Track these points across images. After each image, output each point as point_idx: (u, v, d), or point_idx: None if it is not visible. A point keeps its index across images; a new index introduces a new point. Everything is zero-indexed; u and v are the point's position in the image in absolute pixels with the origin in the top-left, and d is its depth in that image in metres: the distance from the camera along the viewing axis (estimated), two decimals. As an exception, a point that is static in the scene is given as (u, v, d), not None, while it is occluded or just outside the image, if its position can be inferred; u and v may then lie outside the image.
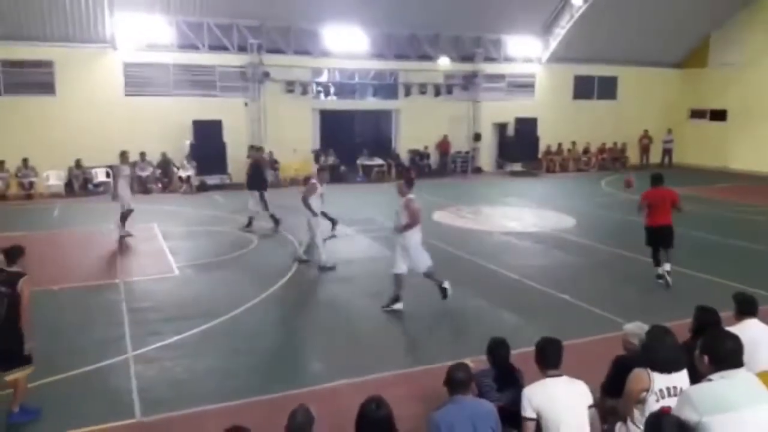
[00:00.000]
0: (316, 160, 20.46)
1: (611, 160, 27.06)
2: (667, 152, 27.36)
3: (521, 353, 5.31)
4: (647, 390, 4.09)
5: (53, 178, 19.11)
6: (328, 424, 4.33)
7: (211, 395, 6.08)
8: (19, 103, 18.67)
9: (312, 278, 10.52)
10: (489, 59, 24.96)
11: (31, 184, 18.61)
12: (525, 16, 24.17)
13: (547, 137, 25.73)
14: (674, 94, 28.20)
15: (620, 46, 25.44)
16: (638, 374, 4.18)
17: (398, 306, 8.59)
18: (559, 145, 26.45)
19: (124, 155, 13.59)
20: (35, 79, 19.12)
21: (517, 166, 25.15)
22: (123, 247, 12.50)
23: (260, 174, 14.24)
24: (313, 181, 11.22)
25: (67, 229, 14.33)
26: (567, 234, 13.73)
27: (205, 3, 19.96)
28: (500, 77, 25.75)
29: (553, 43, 25.37)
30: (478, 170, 25.40)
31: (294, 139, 21.91)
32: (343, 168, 22.82)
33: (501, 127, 25.97)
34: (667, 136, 27.43)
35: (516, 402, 4.38)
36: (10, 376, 5.58)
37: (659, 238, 9.73)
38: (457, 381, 4.16)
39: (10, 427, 5.55)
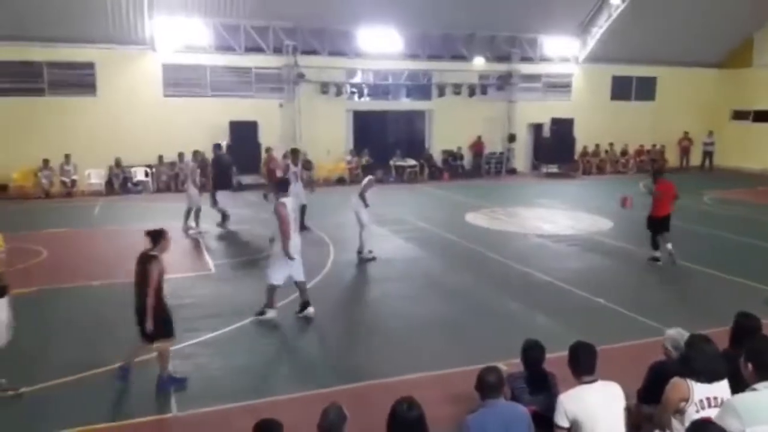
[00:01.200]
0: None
1: (650, 162, 26.52)
2: (707, 154, 26.72)
3: (555, 357, 5.25)
4: (686, 400, 3.99)
5: (94, 177, 19.63)
6: (359, 424, 4.34)
7: (244, 392, 6.17)
8: (62, 103, 19.23)
9: (345, 278, 10.57)
10: (525, 59, 24.72)
11: (73, 182, 19.12)
12: (562, 15, 23.88)
13: (583, 138, 25.35)
14: (715, 94, 27.46)
15: (659, 46, 24.89)
16: (677, 384, 4.08)
17: (310, 311, 8.25)
18: (596, 146, 26.03)
19: (196, 154, 14.21)
20: (77, 80, 19.67)
21: (553, 168, 24.85)
22: (189, 243, 12.80)
23: (226, 173, 14.60)
24: (371, 177, 11.64)
25: (107, 226, 14.68)
26: (603, 237, 13.51)
27: (241, 5, 20.23)
28: (536, 77, 25.48)
29: (591, 42, 25.01)
30: (512, 171, 25.17)
31: (328, 139, 22.07)
32: (380, 171, 22.84)
33: (536, 128, 25.67)
34: (707, 138, 26.77)
35: (549, 406, 4.33)
36: (155, 345, 6.17)
37: (662, 227, 10.97)
38: (489, 384, 4.12)
39: (160, 390, 6.18)
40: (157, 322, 6.06)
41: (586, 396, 4.12)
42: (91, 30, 19.01)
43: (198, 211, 13.79)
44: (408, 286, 10.09)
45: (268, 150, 19.36)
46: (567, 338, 5.14)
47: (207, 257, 11.62)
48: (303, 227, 13.79)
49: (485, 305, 8.96)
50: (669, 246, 10.89)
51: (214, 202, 14.29)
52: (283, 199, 8.13)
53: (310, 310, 8.28)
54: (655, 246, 11.12)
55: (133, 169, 19.71)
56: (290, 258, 7.90)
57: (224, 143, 19.96)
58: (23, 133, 18.62)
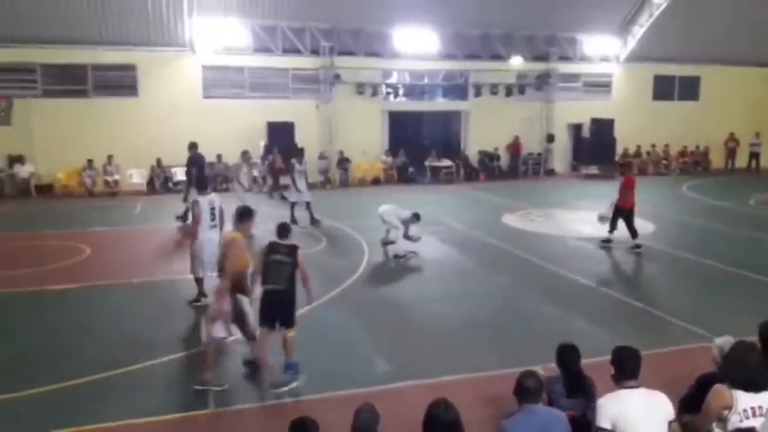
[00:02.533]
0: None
1: (693, 163, 25.85)
2: (754, 156, 25.88)
3: (594, 362, 5.14)
4: (729, 408, 3.87)
5: (136, 177, 20.11)
6: (393, 425, 4.32)
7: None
8: (105, 105, 19.74)
9: (379, 278, 10.56)
10: (563, 58, 24.38)
11: (116, 182, 19.59)
12: (602, 14, 23.46)
13: (624, 139, 24.78)
14: (762, 94, 26.58)
15: (703, 44, 24.24)
16: (719, 391, 3.95)
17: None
18: (638, 147, 25.46)
19: (245, 155, 14.57)
20: (120, 82, 20.17)
21: (593, 169, 24.38)
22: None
23: (202, 171, 14.62)
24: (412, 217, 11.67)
25: (148, 225, 14.99)
26: (644, 240, 13.17)
27: (279, 7, 20.44)
28: (575, 77, 25.11)
29: (632, 41, 24.51)
30: (550, 172, 24.83)
31: (363, 140, 22.14)
32: (411, 169, 22.84)
33: (576, 128, 25.26)
34: (754, 139, 25.93)
35: (587, 410, 4.23)
36: (291, 333, 6.36)
37: (630, 215, 11.96)
38: (527, 389, 4.05)
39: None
40: (293, 309, 6.34)
41: (628, 400, 4.00)
42: (133, 33, 19.47)
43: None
44: (443, 287, 10.02)
45: (271, 150, 19.62)
46: (605, 343, 5.03)
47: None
48: (313, 221, 14.37)
49: (521, 308, 8.83)
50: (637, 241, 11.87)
51: (186, 198, 14.18)
52: (198, 198, 8.71)
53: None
54: (614, 229, 12.11)
55: (173, 169, 20.08)
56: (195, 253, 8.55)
57: (262, 144, 20.27)
58: (68, 134, 19.17)
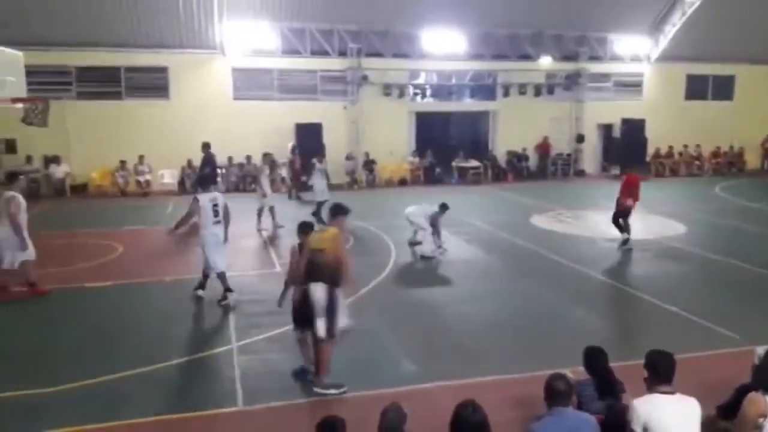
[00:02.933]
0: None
1: (727, 164, 25.30)
2: (791, 156, 25.26)
3: (623, 366, 5.08)
4: (765, 416, 3.81)
5: (167, 177, 20.45)
6: (420, 426, 4.32)
7: (306, 389, 6.24)
8: (138, 107, 20.13)
9: (406, 279, 10.57)
10: (593, 58, 24.11)
11: (148, 182, 19.95)
12: (633, 14, 23.13)
13: (655, 139, 24.40)
14: (800, 93, 25.93)
15: (738, 43, 23.72)
16: (754, 398, 3.88)
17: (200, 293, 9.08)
18: (669, 147, 25.05)
19: (266, 156, 14.88)
20: (152, 84, 20.56)
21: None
22: (228, 242, 13.11)
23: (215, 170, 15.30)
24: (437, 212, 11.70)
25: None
26: (676, 242, 12.97)
27: (307, 9, 20.58)
28: (605, 77, 24.80)
29: (664, 41, 24.12)
30: (580, 173, 24.56)
31: (390, 140, 22.19)
32: (438, 170, 22.80)
33: (606, 129, 24.93)
34: (790, 140, 25.31)
35: (618, 414, 4.19)
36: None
37: (628, 214, 12.06)
38: (557, 392, 4.01)
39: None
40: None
41: (661, 404, 3.95)
42: (165, 36, 19.83)
43: (271, 209, 14.24)
44: (470, 288, 9.99)
45: (293, 150, 19.77)
46: (635, 346, 4.97)
47: (273, 256, 11.87)
48: (320, 220, 14.32)
49: (549, 310, 8.75)
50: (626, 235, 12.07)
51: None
52: (198, 195, 8.95)
53: (231, 299, 8.89)
54: (623, 229, 12.15)
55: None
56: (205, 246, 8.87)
57: (291, 145, 20.44)
58: (102, 135, 19.60)
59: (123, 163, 19.77)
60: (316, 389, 6.15)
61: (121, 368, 6.55)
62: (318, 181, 15.27)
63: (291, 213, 14.60)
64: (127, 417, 5.69)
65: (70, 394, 6.11)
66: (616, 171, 23.95)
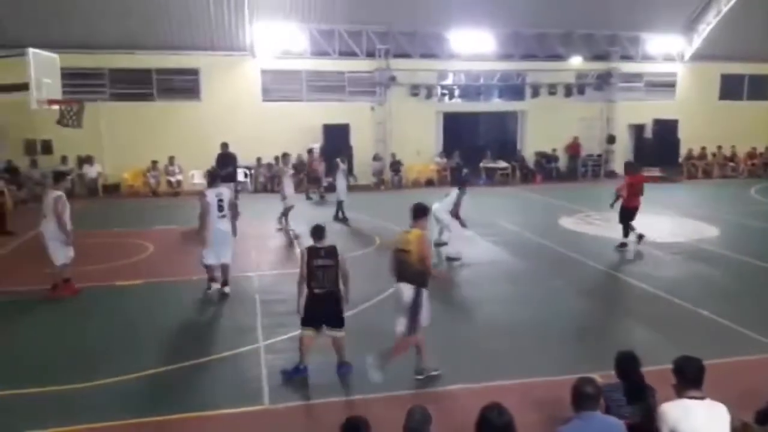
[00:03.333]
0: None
1: (763, 165, 24.67)
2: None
3: (653, 371, 4.98)
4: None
5: (197, 177, 20.64)
6: (445, 427, 4.30)
7: (332, 388, 6.28)
8: (170, 108, 20.45)
9: (432, 279, 10.49)
10: (625, 57, 23.74)
11: (178, 182, 20.25)
12: (666, 12, 22.74)
13: (688, 140, 23.91)
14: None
15: (776, 41, 23.14)
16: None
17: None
18: (703, 149, 24.54)
19: (285, 157, 15.03)
20: (183, 86, 20.88)
21: (655, 171, 23.59)
22: (256, 241, 13.27)
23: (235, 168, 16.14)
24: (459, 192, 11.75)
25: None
26: (708, 245, 12.69)
27: (336, 10, 20.67)
28: (637, 76, 24.42)
29: (697, 40, 23.65)
30: (611, 174, 24.17)
31: (417, 141, 22.17)
32: (465, 170, 22.67)
33: (637, 129, 24.55)
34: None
35: (647, 419, 4.11)
36: (341, 334, 6.48)
37: (633, 216, 12.01)
38: (585, 396, 3.95)
39: (341, 376, 6.51)
40: (341, 310, 6.50)
41: (691, 410, 3.88)
42: (196, 38, 20.11)
43: (289, 209, 14.31)
44: (496, 290, 9.92)
45: (310, 151, 19.90)
46: (665, 351, 4.88)
47: (299, 256, 11.90)
48: (339, 219, 15.01)
49: (577, 313, 8.64)
50: (637, 231, 12.10)
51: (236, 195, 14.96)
52: (206, 191, 9.25)
53: (227, 289, 9.38)
54: (628, 233, 12.12)
55: (232, 170, 20.58)
56: (205, 242, 9.14)
57: (317, 146, 20.55)
58: (135, 136, 19.95)
59: (154, 163, 20.11)
60: (418, 377, 6.47)
61: (150, 365, 6.67)
62: (340, 181, 15.42)
63: (314, 214, 14.64)
64: (156, 414, 5.79)
65: (102, 390, 6.24)
66: (648, 172, 23.57)
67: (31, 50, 10.89)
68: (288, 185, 14.38)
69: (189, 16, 19.47)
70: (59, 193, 9.19)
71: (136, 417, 5.71)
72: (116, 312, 8.80)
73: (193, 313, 8.68)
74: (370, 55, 21.56)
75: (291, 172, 14.95)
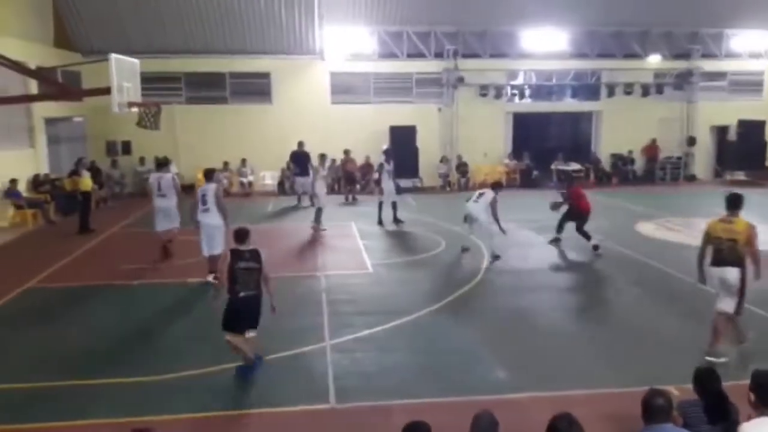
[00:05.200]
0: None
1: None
2: None
3: (733, 386, 4.65)
4: None
5: (268, 178, 21.21)
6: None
7: (396, 391, 6.21)
8: (242, 111, 21.01)
9: (499, 285, 10.29)
10: (707, 55, 22.63)
11: (250, 183, 20.76)
12: (751, 6, 21.49)
13: (776, 143, 22.51)
14: None
15: None
16: None
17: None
18: (793, 151, 23.01)
19: (322, 158, 15.01)
20: (255, 89, 21.39)
21: (740, 175, 22.34)
22: (322, 242, 13.41)
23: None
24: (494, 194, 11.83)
25: (277, 224, 15.72)
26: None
27: (405, 12, 20.67)
28: (721, 75, 23.22)
29: (788, 34, 22.21)
30: (691, 178, 23.10)
31: (485, 142, 21.88)
32: (536, 173, 22.17)
33: (720, 131, 23.35)
34: None
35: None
36: (252, 334, 6.42)
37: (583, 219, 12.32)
38: (655, 408, 3.75)
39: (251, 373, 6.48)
40: (259, 312, 6.47)
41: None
42: (268, 42, 20.58)
43: (320, 210, 14.35)
44: (567, 297, 9.61)
45: (346, 152, 19.90)
46: (748, 365, 4.54)
47: (365, 257, 11.95)
48: (397, 221, 14.80)
49: (652, 324, 8.22)
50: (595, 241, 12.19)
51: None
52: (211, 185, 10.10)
53: (209, 277, 9.82)
54: (561, 230, 12.59)
55: (301, 172, 20.90)
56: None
57: (384, 147, 20.58)
58: (208, 138, 20.61)
59: (226, 164, 20.68)
60: (708, 358, 6.57)
61: (221, 360, 6.77)
62: (386, 183, 15.03)
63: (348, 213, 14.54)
64: (223, 408, 5.90)
65: (172, 384, 6.42)
66: (731, 176, 22.39)
67: (113, 56, 11.35)
68: (320, 186, 14.44)
69: (261, 22, 19.95)
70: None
71: (204, 411, 5.83)
72: (188, 308, 9.06)
73: (265, 311, 8.79)
74: (439, 55, 21.44)
75: (324, 173, 14.96)
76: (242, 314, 6.33)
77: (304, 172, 17.31)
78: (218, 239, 9.87)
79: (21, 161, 16.15)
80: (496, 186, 12.10)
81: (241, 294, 6.30)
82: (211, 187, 10.06)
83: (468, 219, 12.13)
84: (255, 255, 6.41)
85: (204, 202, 9.91)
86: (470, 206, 11.85)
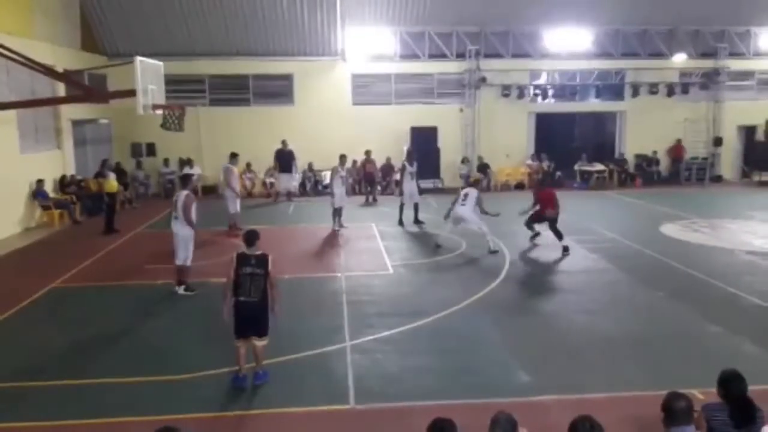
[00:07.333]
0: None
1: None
2: None
3: (761, 390, 4.56)
4: None
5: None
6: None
7: (417, 392, 6.20)
8: (264, 112, 21.16)
9: (521, 287, 10.22)
10: (734, 54, 22.23)
11: (272, 184, 20.87)
12: (783, 3, 21.04)
13: (807, 142, 22.02)
14: None
15: None
16: None
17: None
18: (824, 151, 22.48)
19: (342, 158, 15.00)
20: (277, 90, 21.54)
21: (767, 176, 21.91)
22: (343, 242, 13.44)
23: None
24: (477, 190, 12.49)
25: (299, 225, 15.79)
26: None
27: (427, 13, 20.62)
28: (748, 74, 22.81)
29: (819, 32, 21.72)
30: (717, 179, 22.69)
31: (507, 143, 21.74)
32: (559, 173, 21.95)
33: (748, 131, 22.92)
34: None
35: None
36: (262, 342, 6.36)
37: (550, 221, 12.35)
38: (677, 410, 3.74)
39: (256, 386, 6.36)
40: (266, 319, 6.38)
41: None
42: (290, 44, 20.68)
43: (337, 211, 14.47)
44: (590, 298, 9.49)
45: (367, 152, 19.88)
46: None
47: (385, 258, 11.95)
48: (418, 222, 14.88)
49: (678, 326, 8.09)
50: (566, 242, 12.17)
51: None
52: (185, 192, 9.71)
53: (177, 288, 9.67)
54: (532, 229, 12.89)
55: (323, 173, 20.97)
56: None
57: (405, 148, 20.56)
58: (231, 139, 20.62)
59: (249, 165, 20.82)
60: None
61: (223, 364, 6.78)
62: (407, 184, 15.03)
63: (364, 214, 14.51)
64: (245, 408, 5.95)
65: (193, 383, 6.48)
66: (758, 177, 21.95)
67: (138, 58, 11.51)
68: (337, 186, 14.45)
69: (284, 24, 20.06)
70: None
71: (225, 411, 5.89)
72: (210, 307, 9.10)
73: (287, 311, 8.83)
74: (460, 56, 21.36)
75: (342, 173, 14.93)
76: (247, 321, 6.29)
77: (286, 169, 19.23)
78: (183, 249, 9.62)
79: (48, 162, 16.46)
80: (475, 184, 13.11)
81: (241, 299, 6.24)
82: (182, 194, 9.65)
83: (455, 221, 12.42)
84: (261, 261, 6.27)
85: (175, 209, 9.61)
86: (459, 209, 12.19)
